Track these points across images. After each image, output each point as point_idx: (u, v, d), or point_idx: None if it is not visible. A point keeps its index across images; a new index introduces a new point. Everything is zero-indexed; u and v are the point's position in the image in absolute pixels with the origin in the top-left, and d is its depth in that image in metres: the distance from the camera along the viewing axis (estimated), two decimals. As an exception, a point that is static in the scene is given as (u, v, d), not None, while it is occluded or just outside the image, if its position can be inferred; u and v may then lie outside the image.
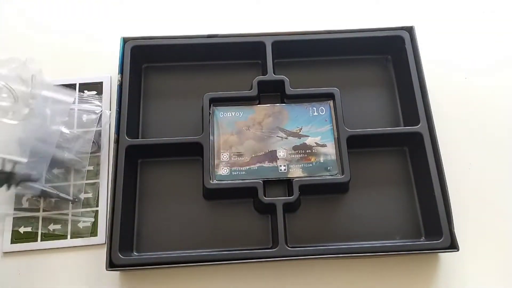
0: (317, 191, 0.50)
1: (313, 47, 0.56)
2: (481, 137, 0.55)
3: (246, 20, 0.62)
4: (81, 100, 0.55)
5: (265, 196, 0.48)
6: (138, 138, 0.53)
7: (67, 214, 0.50)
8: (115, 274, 0.47)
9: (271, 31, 0.55)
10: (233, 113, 0.53)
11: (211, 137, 0.50)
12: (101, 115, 0.54)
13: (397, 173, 0.52)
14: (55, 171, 0.51)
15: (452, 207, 0.47)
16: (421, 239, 0.49)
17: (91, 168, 0.52)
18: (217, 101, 0.52)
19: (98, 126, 0.54)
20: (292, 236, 0.48)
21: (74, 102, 0.54)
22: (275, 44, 0.54)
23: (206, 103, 0.52)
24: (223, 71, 0.57)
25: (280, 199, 0.48)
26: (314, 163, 0.50)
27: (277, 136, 0.52)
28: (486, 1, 0.63)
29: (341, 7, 0.63)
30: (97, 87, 0.56)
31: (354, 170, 0.49)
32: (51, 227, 0.49)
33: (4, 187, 0.47)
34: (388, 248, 0.46)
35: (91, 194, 0.51)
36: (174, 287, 0.47)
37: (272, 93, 0.54)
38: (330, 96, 0.53)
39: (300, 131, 0.52)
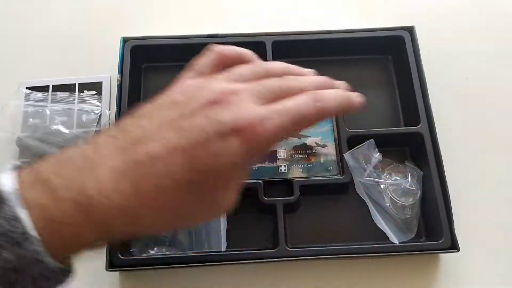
0: (317, 191, 0.50)
1: (313, 47, 0.56)
2: (482, 137, 0.55)
3: (246, 20, 0.61)
4: (81, 100, 0.55)
5: (265, 197, 0.48)
6: (138, 138, 0.53)
7: (66, 215, 0.50)
8: (114, 275, 0.47)
9: (271, 31, 0.55)
10: (233, 113, 0.52)
11: (211, 137, 0.50)
12: (100, 115, 0.54)
13: (398, 173, 0.52)
14: (55, 171, 0.51)
15: (452, 208, 0.47)
16: (422, 240, 0.49)
17: (90, 168, 0.52)
18: (217, 101, 0.52)
19: (98, 126, 0.54)
20: (292, 237, 0.48)
21: (73, 102, 0.54)
22: (275, 44, 0.54)
23: (206, 103, 0.51)
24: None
25: (280, 200, 0.48)
26: (314, 164, 0.50)
27: (277, 136, 0.51)
28: (487, 1, 0.63)
29: (341, 7, 0.63)
30: (96, 87, 0.56)
31: (354, 171, 0.49)
32: (51, 227, 0.49)
33: None
34: (389, 248, 0.46)
35: (90, 194, 0.51)
36: (174, 288, 0.47)
37: (272, 93, 0.54)
38: (330, 96, 0.53)
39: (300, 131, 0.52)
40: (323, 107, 0.32)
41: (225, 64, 0.34)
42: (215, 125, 0.28)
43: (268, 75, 0.33)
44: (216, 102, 0.29)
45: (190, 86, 0.31)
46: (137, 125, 0.29)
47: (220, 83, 0.31)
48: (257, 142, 0.29)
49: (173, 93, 0.31)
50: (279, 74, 0.34)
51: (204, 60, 0.34)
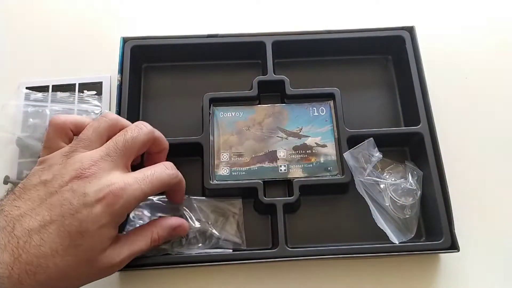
0: (317, 191, 0.50)
1: (313, 47, 0.56)
2: (482, 137, 0.55)
3: (246, 20, 0.62)
4: (81, 100, 0.55)
5: (265, 197, 0.48)
6: (138, 138, 0.53)
7: (66, 215, 0.50)
8: (114, 275, 0.47)
9: (271, 31, 0.55)
10: (233, 113, 0.52)
11: (211, 137, 0.50)
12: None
13: (398, 173, 0.52)
14: (55, 171, 0.51)
15: (452, 208, 0.47)
16: (422, 240, 0.49)
17: (90, 168, 0.52)
18: (217, 101, 0.52)
19: (98, 126, 0.53)
20: (292, 237, 0.48)
21: (73, 102, 0.54)
22: (275, 44, 0.54)
23: (206, 103, 0.51)
24: (223, 71, 0.57)
25: (280, 200, 0.48)
26: (314, 164, 0.50)
27: (277, 136, 0.52)
28: (486, 2, 0.63)
29: (341, 7, 0.63)
30: (96, 87, 0.56)
31: (354, 171, 0.49)
32: (51, 227, 0.49)
33: None
34: (389, 249, 0.46)
35: (90, 194, 0.51)
36: (174, 288, 0.47)
37: (272, 93, 0.54)
38: (330, 96, 0.53)
39: (300, 131, 0.52)
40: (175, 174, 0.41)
41: (66, 133, 0.39)
42: (81, 198, 0.34)
43: (110, 128, 0.39)
44: (78, 177, 0.35)
45: (54, 164, 0.36)
46: (14, 205, 0.34)
47: (80, 158, 0.36)
48: (120, 206, 0.35)
49: (41, 172, 0.36)
50: (115, 123, 0.39)
51: (48, 135, 0.39)
